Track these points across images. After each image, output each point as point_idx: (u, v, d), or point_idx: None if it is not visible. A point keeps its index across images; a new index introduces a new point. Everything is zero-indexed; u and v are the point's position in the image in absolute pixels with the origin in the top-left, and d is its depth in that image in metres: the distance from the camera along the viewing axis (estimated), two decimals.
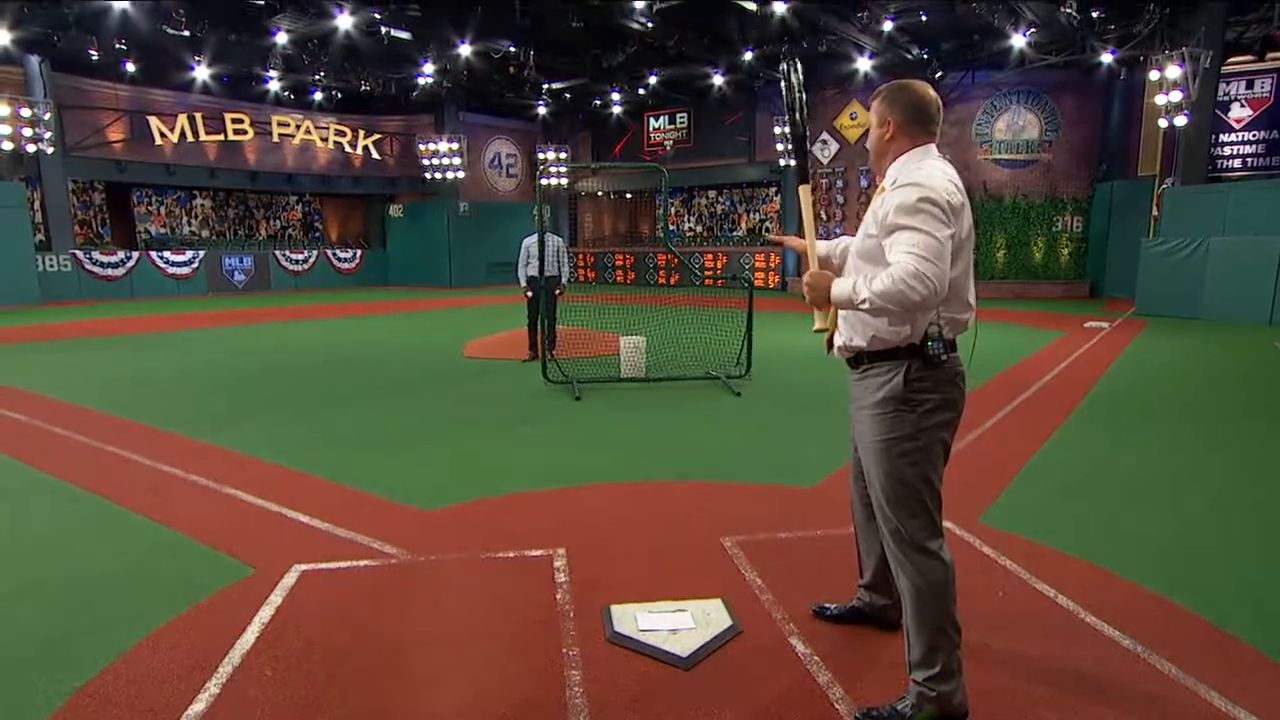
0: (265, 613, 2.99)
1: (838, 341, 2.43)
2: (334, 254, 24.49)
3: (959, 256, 2.16)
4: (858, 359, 2.34)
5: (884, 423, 2.28)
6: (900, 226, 2.11)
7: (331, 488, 4.52)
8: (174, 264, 20.80)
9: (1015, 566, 3.36)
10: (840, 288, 2.18)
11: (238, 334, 12.40)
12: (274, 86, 20.54)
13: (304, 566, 3.39)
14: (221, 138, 21.51)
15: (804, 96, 2.47)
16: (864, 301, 2.11)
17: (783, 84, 2.49)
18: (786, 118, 2.47)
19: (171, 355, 10.00)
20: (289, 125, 22.65)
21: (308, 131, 23.01)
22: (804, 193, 2.41)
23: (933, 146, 2.30)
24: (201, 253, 21.38)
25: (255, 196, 24.48)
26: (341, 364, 9.23)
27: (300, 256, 23.53)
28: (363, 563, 3.45)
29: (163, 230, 22.44)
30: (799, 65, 2.51)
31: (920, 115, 2.27)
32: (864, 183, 20.93)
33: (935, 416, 2.24)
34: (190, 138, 20.86)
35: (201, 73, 18.29)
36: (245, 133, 21.87)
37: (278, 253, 23.06)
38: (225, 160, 22.00)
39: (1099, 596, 3.09)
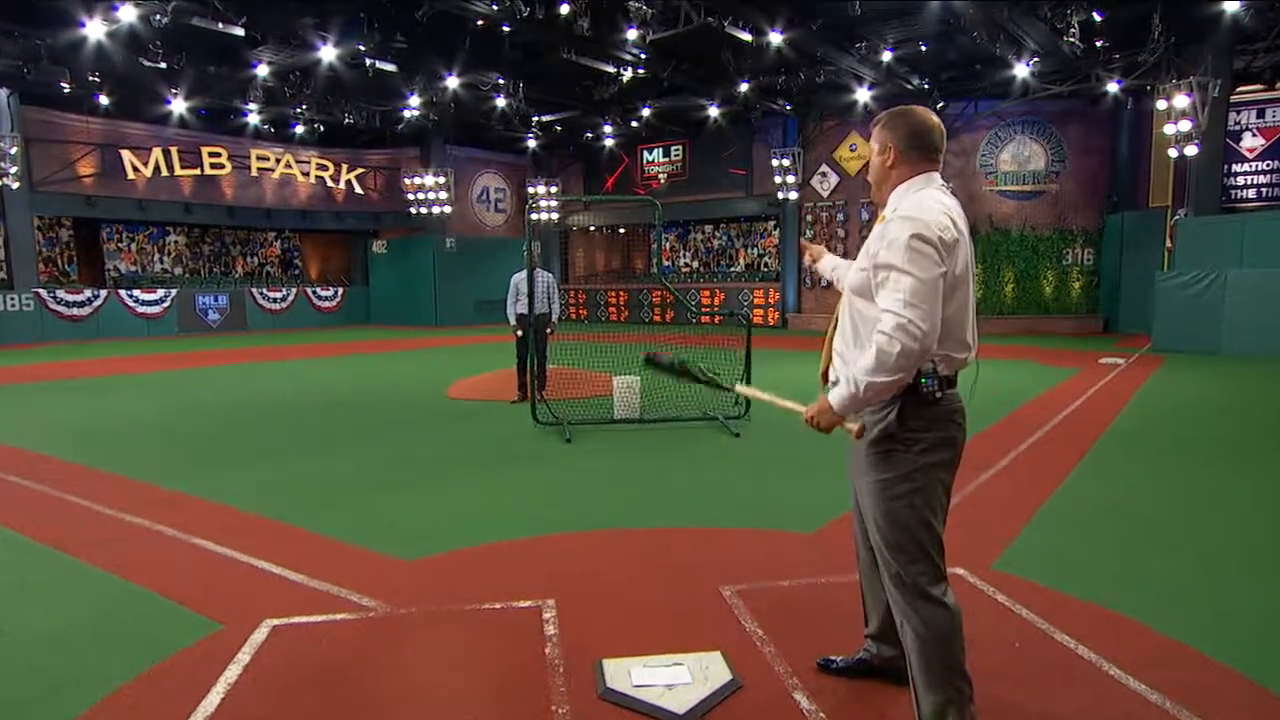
0: (233, 671, 2.93)
1: (831, 376, 2.45)
2: (314, 292, 24.55)
3: (953, 294, 2.18)
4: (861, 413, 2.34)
5: (879, 463, 2.28)
6: (888, 266, 2.15)
7: (307, 537, 4.47)
8: (144, 303, 20.81)
9: (1032, 615, 3.33)
10: (837, 395, 2.21)
11: (210, 376, 12.35)
12: (254, 119, 20.82)
13: (275, 621, 3.33)
14: (198, 172, 21.74)
15: (686, 367, 2.82)
16: (865, 388, 2.14)
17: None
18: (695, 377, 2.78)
19: (139, 398, 9.95)
20: (269, 159, 22.92)
21: (288, 165, 23.28)
22: (741, 389, 2.77)
23: (935, 175, 2.33)
24: (174, 291, 21.41)
25: (232, 233, 24.64)
26: (320, 407, 9.20)
27: (278, 295, 23.58)
28: (339, 616, 3.40)
29: (133, 268, 22.51)
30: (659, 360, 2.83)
31: (922, 141, 2.30)
32: (865, 215, 21.19)
33: (932, 455, 2.24)
34: (165, 172, 21.08)
35: (178, 105, 18.53)
36: (223, 167, 22.12)
37: (255, 291, 23.12)
38: (201, 195, 22.18)
39: (1123, 647, 3.06)
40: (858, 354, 2.28)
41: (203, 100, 18.95)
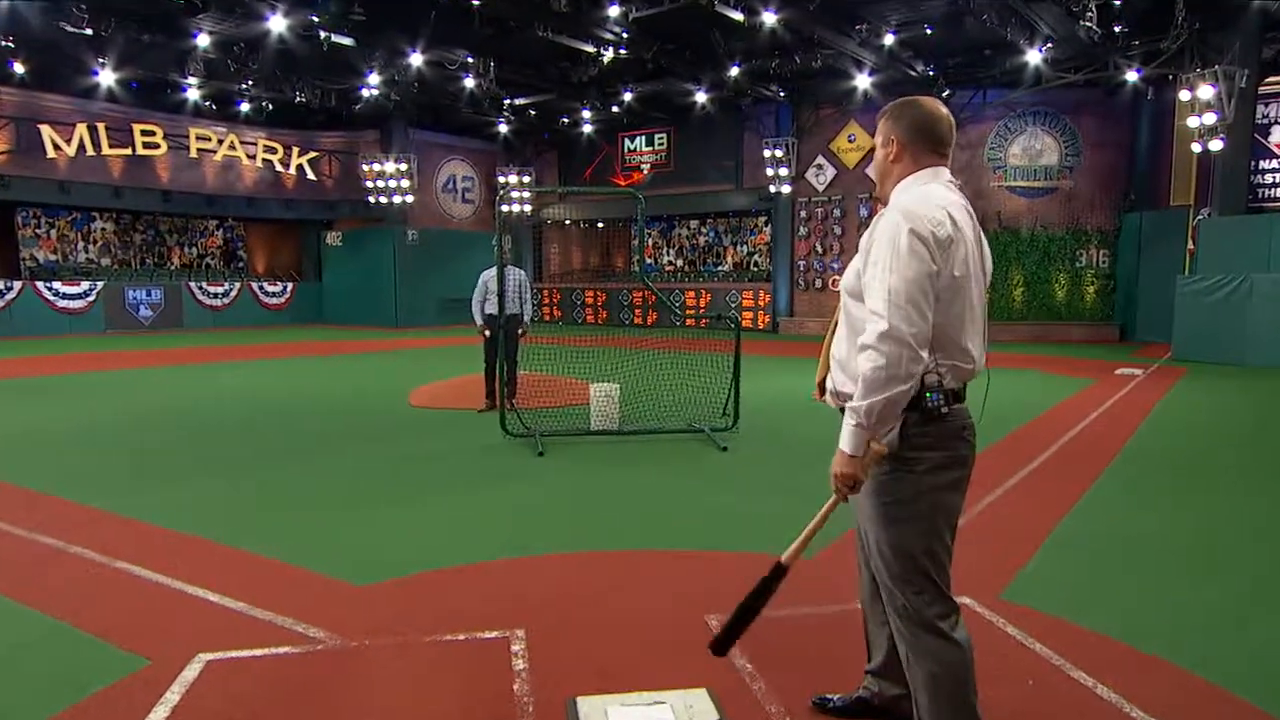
0: (159, 714, 2.87)
1: (829, 385, 2.44)
2: (260, 287, 24.36)
3: (953, 298, 2.18)
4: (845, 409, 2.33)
5: (881, 485, 2.28)
6: (874, 263, 2.17)
7: (248, 560, 4.41)
8: (65, 296, 20.55)
9: (1046, 650, 3.33)
10: (845, 436, 2.20)
11: (141, 379, 12.21)
12: (193, 95, 20.52)
13: (209, 656, 3.27)
14: (129, 152, 21.47)
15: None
16: (866, 413, 2.12)
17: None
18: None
19: (58, 404, 9.80)
20: (210, 139, 22.71)
21: (232, 147, 23.07)
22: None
23: (943, 170, 2.33)
24: (100, 284, 21.15)
25: (168, 220, 24.40)
26: (265, 415, 9.13)
27: (220, 289, 23.38)
28: (282, 650, 3.35)
29: (53, 257, 22.20)
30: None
31: (928, 134, 2.31)
32: (864, 212, 21.34)
33: (939, 476, 2.24)
34: (90, 151, 20.78)
35: (106, 77, 18.18)
36: (157, 146, 21.87)
37: (193, 285, 22.92)
38: (132, 177, 21.91)
39: (1145, 686, 3.06)
40: (852, 370, 2.29)
41: (135, 72, 18.62)
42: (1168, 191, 18.58)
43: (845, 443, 2.19)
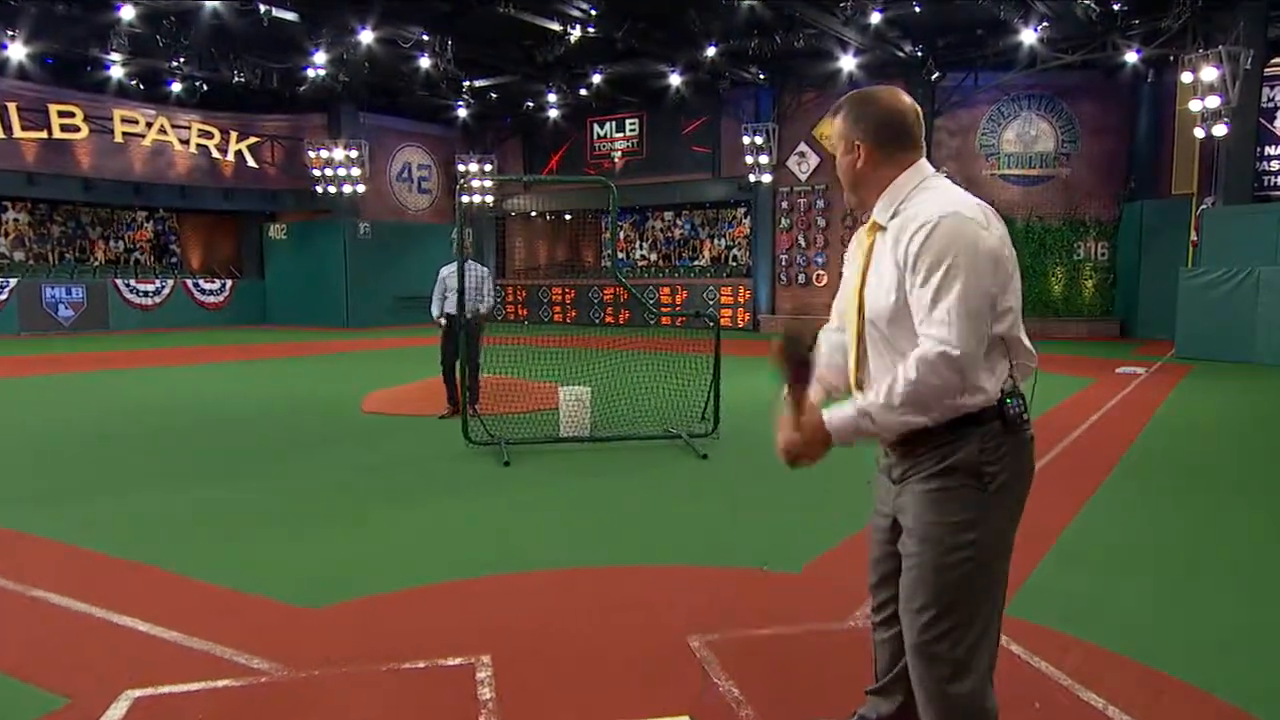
0: None
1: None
2: (196, 285, 24.08)
3: (1014, 294, 2.11)
4: (910, 438, 2.17)
5: (945, 502, 2.13)
6: (932, 277, 2.02)
7: (184, 584, 4.32)
8: None
9: (1053, 670, 3.33)
10: (839, 417, 2.10)
11: (61, 385, 12.04)
12: (117, 73, 20.19)
13: (138, 692, 3.18)
14: (44, 135, 21.05)
15: None
16: (882, 423, 2.03)
17: None
18: None
19: None
20: (137, 122, 22.37)
21: (162, 131, 22.74)
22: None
23: (925, 163, 2.26)
24: (13, 281, 20.80)
25: (90, 211, 24.06)
26: (202, 424, 9.03)
27: (150, 288, 23.07)
28: (221, 683, 3.27)
29: None
30: None
31: (896, 132, 2.22)
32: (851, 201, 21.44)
33: (1008, 494, 2.14)
34: (0, 134, 20.35)
35: (17, 51, 17.68)
36: (77, 129, 21.48)
37: (119, 282, 22.60)
38: (49, 163, 21.50)
39: (1161, 709, 3.07)
40: None
41: (50, 46, 18.21)
42: (1170, 180, 18.89)
43: (835, 424, 2.10)
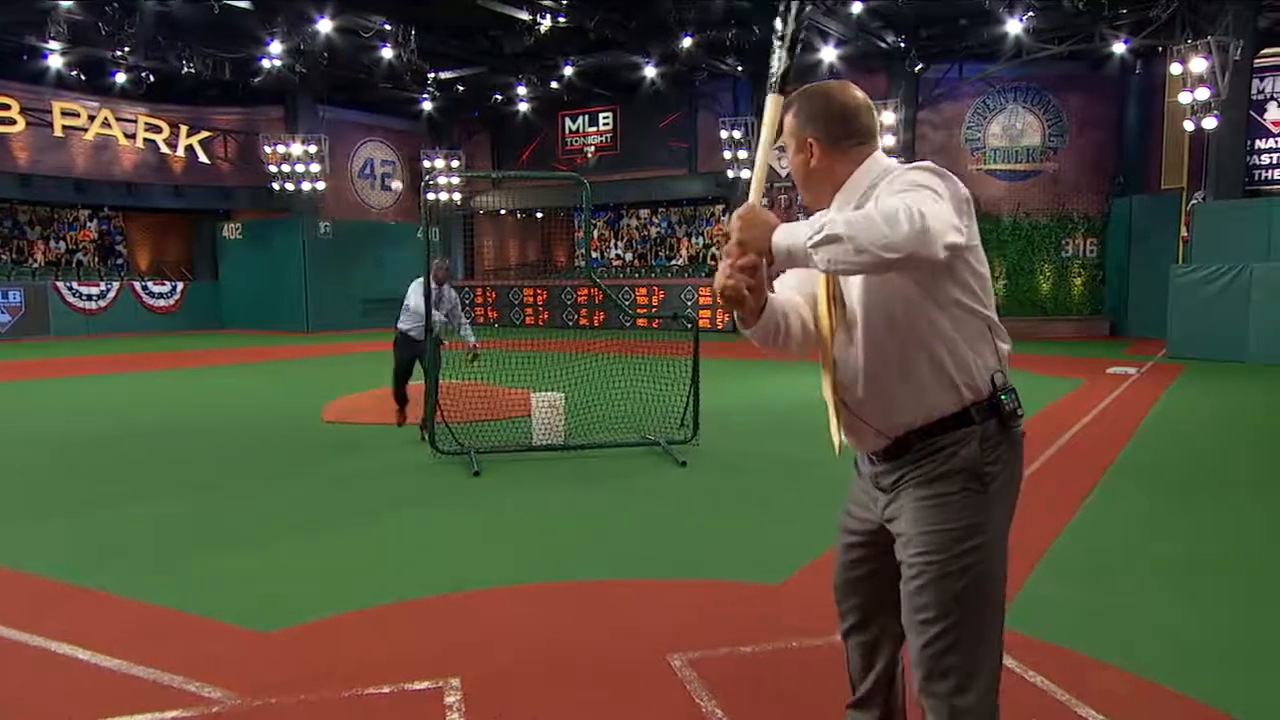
0: None
1: (863, 438, 2.26)
2: (144, 287, 23.85)
3: (985, 271, 2.14)
4: (904, 443, 2.16)
5: (947, 508, 2.11)
6: (905, 188, 1.93)
7: (129, 607, 4.26)
8: None
9: (1047, 683, 3.34)
10: (789, 233, 1.90)
11: None
12: (56, 62, 19.90)
13: None
14: None
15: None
16: (850, 238, 1.77)
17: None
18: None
19: None
20: (79, 115, 22.14)
21: (106, 124, 22.49)
22: (771, 103, 2.16)
23: (880, 154, 2.24)
24: None
25: (28, 209, 23.79)
26: (149, 436, 8.93)
27: (94, 290, 22.84)
28: (170, 714, 3.21)
29: None
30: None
31: (850, 126, 2.22)
32: None
33: (1007, 494, 2.15)
34: None
35: None
36: (13, 122, 21.24)
37: (61, 285, 22.35)
38: None
39: None
40: (905, 391, 2.11)
41: None
42: (1159, 174, 19.15)
43: (788, 234, 1.90)
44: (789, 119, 2.29)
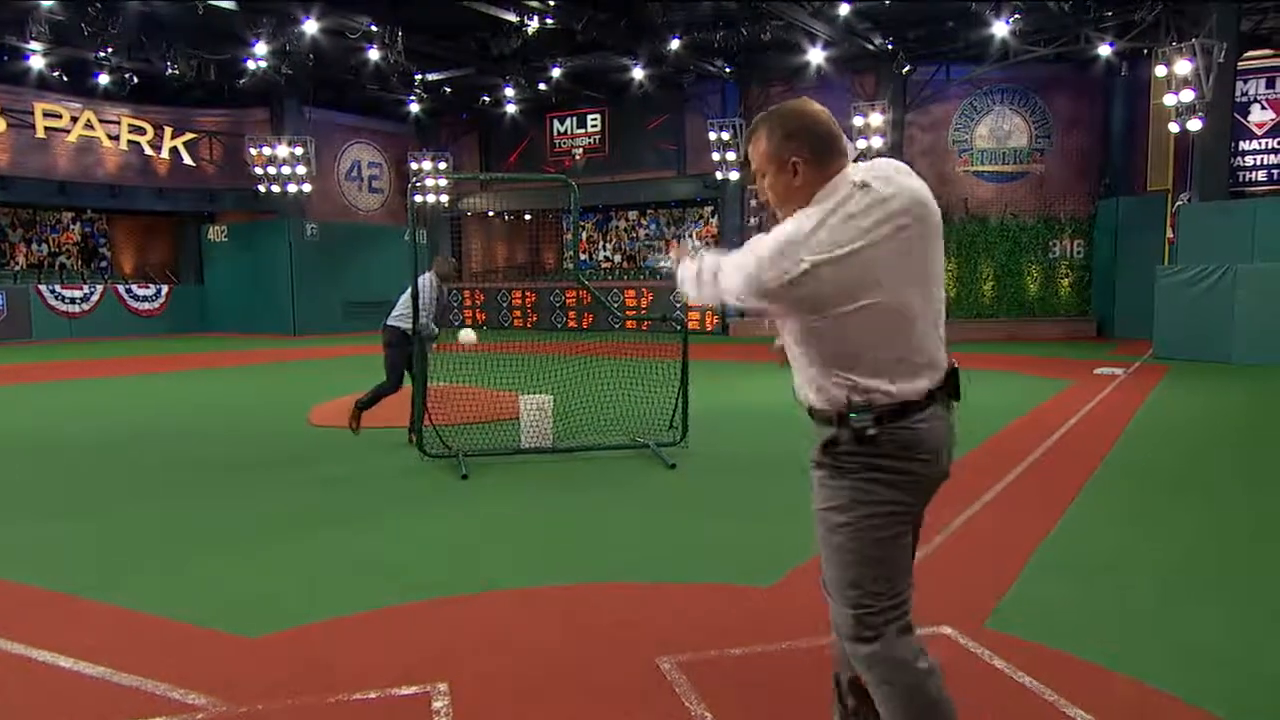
0: None
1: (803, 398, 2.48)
2: (128, 291, 23.73)
3: (869, 286, 2.18)
4: (810, 413, 2.41)
5: (819, 487, 2.34)
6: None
7: (111, 614, 4.22)
8: None
9: (1037, 684, 3.34)
10: (683, 266, 2.48)
11: None
12: (37, 63, 19.79)
13: None
14: None
15: None
16: (696, 275, 2.40)
17: None
18: None
19: None
20: (61, 116, 22.03)
21: (89, 126, 22.38)
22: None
23: (850, 166, 2.34)
24: None
25: (10, 211, 23.67)
26: (135, 440, 8.89)
27: (78, 294, 22.74)
28: None
29: None
30: None
31: (828, 142, 2.31)
32: None
33: (877, 477, 2.25)
34: None
35: None
36: None
37: (44, 288, 22.24)
38: None
39: None
40: (810, 371, 2.34)
41: None
42: (1145, 176, 19.28)
43: (681, 269, 2.51)
44: (763, 142, 2.35)
